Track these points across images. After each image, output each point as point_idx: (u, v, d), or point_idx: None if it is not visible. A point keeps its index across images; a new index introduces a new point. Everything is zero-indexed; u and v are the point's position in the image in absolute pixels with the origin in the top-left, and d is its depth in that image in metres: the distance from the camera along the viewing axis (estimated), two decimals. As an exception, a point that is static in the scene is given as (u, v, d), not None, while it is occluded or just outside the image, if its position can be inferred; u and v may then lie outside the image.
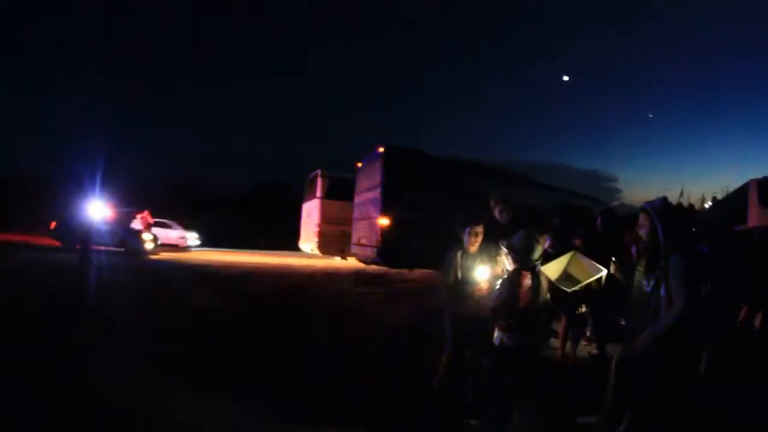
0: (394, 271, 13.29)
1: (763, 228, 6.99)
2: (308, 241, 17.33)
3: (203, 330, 6.67)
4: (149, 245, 17.94)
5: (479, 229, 4.36)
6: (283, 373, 4.91)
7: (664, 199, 3.63)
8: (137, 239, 17.62)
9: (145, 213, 19.76)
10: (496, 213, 5.05)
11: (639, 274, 3.65)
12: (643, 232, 3.58)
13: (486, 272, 4.22)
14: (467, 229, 4.36)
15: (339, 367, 5.26)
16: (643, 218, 3.56)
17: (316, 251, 16.63)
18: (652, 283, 3.48)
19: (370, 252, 12.62)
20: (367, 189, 13.11)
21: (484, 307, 4.16)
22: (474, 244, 4.35)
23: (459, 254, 4.37)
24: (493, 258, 4.36)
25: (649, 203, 3.59)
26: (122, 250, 16.94)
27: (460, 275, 4.31)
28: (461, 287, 4.29)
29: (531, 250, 3.96)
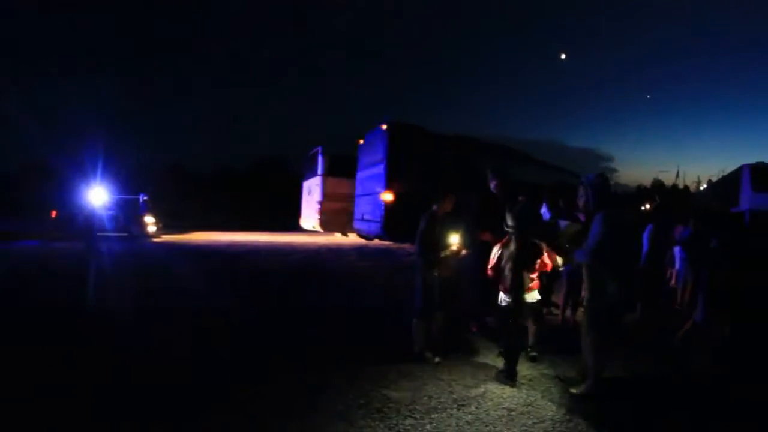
0: (395, 245, 13.45)
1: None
2: (309, 218, 17.45)
3: (225, 301, 6.89)
4: (151, 228, 18.00)
5: (452, 195, 4.76)
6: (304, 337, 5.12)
7: (598, 175, 4.16)
8: (139, 223, 17.67)
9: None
10: (492, 186, 5.38)
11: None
12: (581, 202, 4.15)
13: (456, 236, 4.59)
14: (440, 195, 4.73)
15: (360, 331, 5.55)
16: (581, 190, 4.13)
17: (318, 228, 16.76)
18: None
19: (373, 227, 12.74)
20: (370, 165, 13.16)
21: (453, 268, 4.66)
22: (446, 209, 4.72)
23: (432, 218, 4.68)
24: (461, 223, 4.75)
25: (586, 177, 4.16)
26: (125, 234, 17.01)
27: (433, 238, 4.62)
28: (434, 249, 4.60)
29: (532, 218, 4.44)
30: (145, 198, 18.43)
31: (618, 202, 5.08)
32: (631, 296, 4.77)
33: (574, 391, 4.00)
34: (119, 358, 4.47)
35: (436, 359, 4.53)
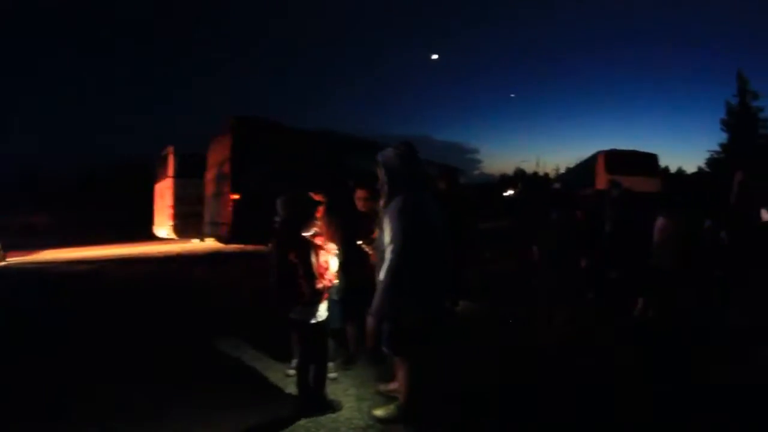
0: (251, 247, 12.66)
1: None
2: (163, 225, 16.01)
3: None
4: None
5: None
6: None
7: (392, 150, 3.49)
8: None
9: None
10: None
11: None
12: (380, 183, 3.50)
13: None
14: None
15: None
16: (378, 170, 3.48)
17: (173, 235, 15.45)
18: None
19: (222, 230, 11.87)
20: (218, 163, 12.30)
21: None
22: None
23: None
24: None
25: (380, 154, 3.50)
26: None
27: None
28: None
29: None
30: None
31: (425, 183, 3.80)
32: (440, 308, 3.82)
33: (377, 413, 3.49)
34: None
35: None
